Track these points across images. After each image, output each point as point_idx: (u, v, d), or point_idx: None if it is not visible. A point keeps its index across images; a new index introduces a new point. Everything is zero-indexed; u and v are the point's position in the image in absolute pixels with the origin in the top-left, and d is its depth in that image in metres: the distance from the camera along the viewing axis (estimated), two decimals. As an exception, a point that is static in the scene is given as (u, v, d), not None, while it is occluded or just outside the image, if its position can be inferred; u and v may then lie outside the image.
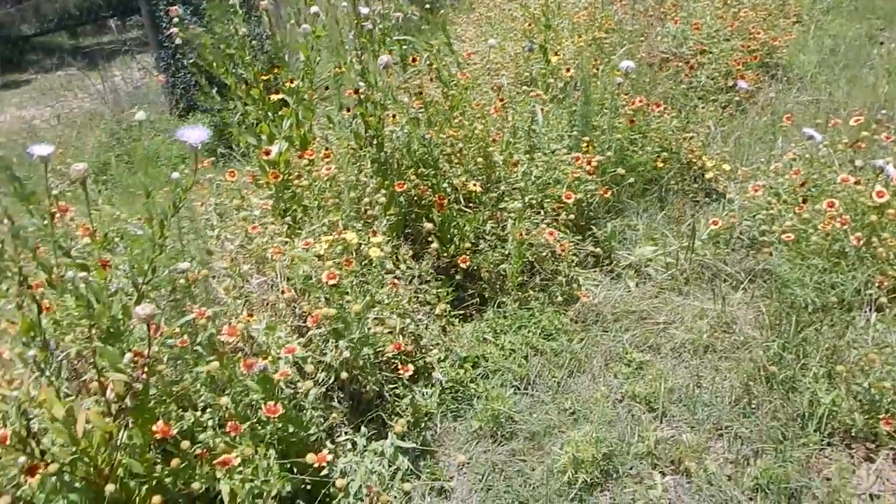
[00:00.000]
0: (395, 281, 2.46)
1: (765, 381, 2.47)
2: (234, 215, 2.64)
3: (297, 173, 2.72)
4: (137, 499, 1.91)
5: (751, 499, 2.16)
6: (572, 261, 2.99)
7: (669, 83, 3.97)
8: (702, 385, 2.59)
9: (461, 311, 3.03)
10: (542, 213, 3.04)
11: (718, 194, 3.61)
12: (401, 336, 2.49)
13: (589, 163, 3.00)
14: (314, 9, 2.88)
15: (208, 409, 2.07)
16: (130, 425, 1.76)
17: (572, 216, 2.97)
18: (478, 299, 3.07)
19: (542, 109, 3.07)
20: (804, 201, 2.82)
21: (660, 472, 2.30)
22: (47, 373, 1.67)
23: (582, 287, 3.00)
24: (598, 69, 3.54)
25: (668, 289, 3.09)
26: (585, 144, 3.16)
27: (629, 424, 2.47)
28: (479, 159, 2.97)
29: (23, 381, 1.63)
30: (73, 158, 6.81)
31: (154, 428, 1.78)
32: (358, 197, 2.69)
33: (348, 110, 2.92)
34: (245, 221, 2.47)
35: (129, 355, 1.66)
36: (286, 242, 2.47)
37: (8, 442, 1.63)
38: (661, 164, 3.46)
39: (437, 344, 2.85)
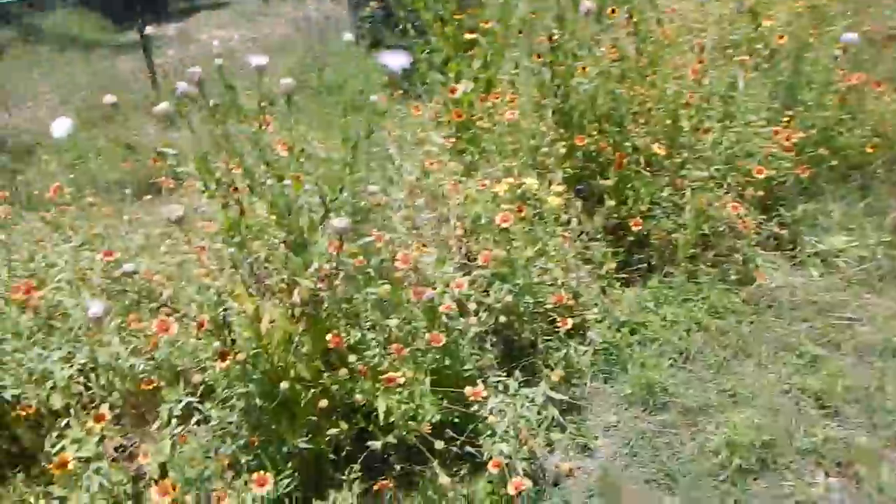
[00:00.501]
0: (565, 234, 2.43)
1: (964, 397, 2.23)
2: (413, 149, 2.71)
3: (479, 115, 2.74)
4: (303, 401, 2.05)
5: (929, 517, 1.97)
6: (753, 239, 2.81)
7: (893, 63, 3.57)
8: (885, 389, 2.37)
9: (624, 276, 2.96)
10: (726, 186, 2.87)
11: (934, 190, 3.24)
12: (562, 290, 2.47)
13: (788, 138, 2.78)
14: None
15: (373, 330, 2.18)
16: (307, 331, 1.89)
17: (760, 193, 2.78)
18: (644, 266, 2.98)
19: (744, 76, 2.87)
20: None
21: (824, 471, 2.15)
22: (241, 271, 1.82)
23: (759, 268, 2.82)
24: (814, 39, 3.25)
25: (857, 283, 2.83)
26: (787, 119, 2.93)
27: (794, 417, 2.32)
28: (668, 122, 2.84)
29: (222, 275, 1.79)
30: (266, 82, 7.19)
31: (328, 337, 1.89)
32: (536, 146, 2.68)
33: (538, 57, 2.89)
34: (426, 156, 2.53)
35: (315, 265, 1.76)
36: (461, 181, 2.50)
37: (205, 328, 1.80)
38: (870, 150, 3.14)
39: (596, 304, 2.80)
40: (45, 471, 2.07)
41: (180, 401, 1.94)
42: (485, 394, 1.97)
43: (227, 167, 1.84)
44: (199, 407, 2.08)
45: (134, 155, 4.95)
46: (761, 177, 2.74)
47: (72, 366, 2.04)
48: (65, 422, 1.93)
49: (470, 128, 2.77)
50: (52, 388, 2.05)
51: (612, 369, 2.60)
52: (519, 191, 2.29)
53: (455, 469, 2.22)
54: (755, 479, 2.15)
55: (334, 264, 2.01)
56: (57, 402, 1.98)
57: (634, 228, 2.76)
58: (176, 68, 6.84)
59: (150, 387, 1.95)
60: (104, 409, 1.76)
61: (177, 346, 1.98)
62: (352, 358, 1.97)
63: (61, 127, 2.03)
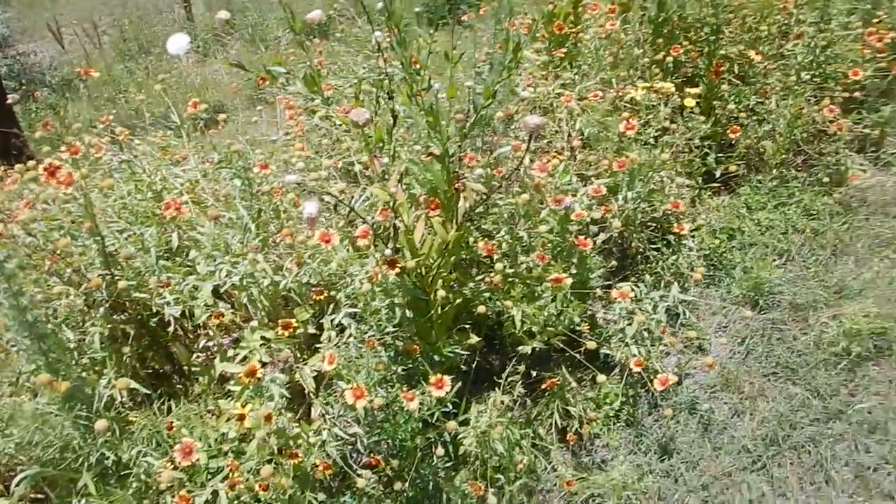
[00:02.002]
0: (678, 144, 2.48)
1: None
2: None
3: (575, 28, 2.75)
4: (450, 310, 2.14)
5: None
6: (844, 142, 2.87)
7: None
8: None
9: (715, 185, 3.02)
10: (814, 89, 2.91)
11: None
12: (672, 197, 2.53)
13: (881, 39, 2.80)
14: None
15: (504, 242, 2.25)
16: (459, 239, 1.95)
17: (855, 95, 2.82)
18: (733, 177, 3.04)
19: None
20: None
21: (937, 355, 2.26)
22: (395, 181, 1.87)
23: (850, 170, 2.88)
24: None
25: (945, 181, 2.91)
26: (877, 20, 2.95)
27: (903, 307, 2.42)
28: (763, 28, 2.86)
29: (391, 183, 1.84)
30: (302, 11, 7.07)
31: (481, 245, 1.96)
32: (637, 56, 2.69)
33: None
34: (534, 69, 2.55)
35: (479, 171, 1.82)
36: (564, 95, 2.53)
37: (368, 238, 1.87)
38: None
39: (690, 213, 2.88)
40: (206, 388, 2.18)
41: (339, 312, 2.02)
42: (632, 294, 2.05)
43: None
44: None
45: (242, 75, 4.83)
46: (857, 78, 2.78)
47: (221, 284, 2.11)
48: (233, 336, 2.02)
49: (564, 43, 2.78)
50: (202, 305, 2.11)
51: (716, 274, 2.69)
52: (634, 103, 2.33)
53: (581, 374, 2.34)
54: (874, 366, 2.27)
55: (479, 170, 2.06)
56: (213, 317, 2.05)
57: (732, 136, 2.81)
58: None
59: (322, 297, 2.02)
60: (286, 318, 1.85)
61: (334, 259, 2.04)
62: (499, 267, 2.05)
63: (178, 44, 1.95)
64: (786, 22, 2.97)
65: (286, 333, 1.85)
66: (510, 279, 2.20)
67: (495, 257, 2.17)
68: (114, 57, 5.97)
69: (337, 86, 3.13)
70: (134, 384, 1.88)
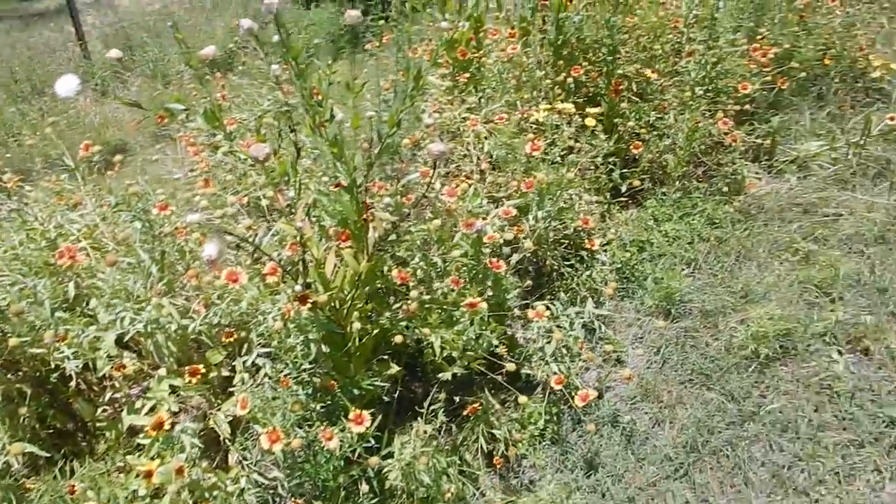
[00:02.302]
0: (581, 160, 2.53)
1: (949, 270, 2.49)
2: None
3: (478, 53, 2.79)
4: (366, 342, 2.10)
5: (940, 376, 2.22)
6: (740, 152, 3.00)
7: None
8: (876, 272, 2.61)
9: (622, 199, 3.10)
10: (708, 104, 3.04)
11: (883, 94, 3.51)
12: (582, 214, 2.58)
13: (764, 55, 2.96)
14: None
15: (419, 269, 2.24)
16: (372, 269, 1.92)
17: (745, 108, 2.96)
18: (638, 191, 3.13)
19: (723, -2, 3.03)
20: None
21: (837, 349, 2.37)
22: (302, 214, 1.83)
23: (747, 178, 3.01)
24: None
25: (832, 184, 3.07)
26: (760, 37, 3.11)
27: (804, 307, 2.53)
28: (657, 47, 2.97)
29: (297, 217, 1.79)
30: (203, 43, 6.94)
31: (395, 274, 1.94)
32: (539, 78, 2.75)
33: (533, -12, 2.95)
34: (445, 92, 2.57)
35: (387, 200, 1.80)
36: (470, 119, 2.56)
37: (277, 274, 1.82)
38: (827, 62, 3.38)
39: (600, 228, 2.94)
40: (113, 443, 2.06)
41: (250, 353, 1.95)
42: (547, 314, 2.07)
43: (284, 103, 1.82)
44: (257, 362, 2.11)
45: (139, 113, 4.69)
46: (746, 92, 2.92)
47: (124, 332, 2.01)
48: (141, 385, 1.92)
49: (468, 67, 2.82)
50: (104, 356, 2.01)
51: (629, 286, 2.75)
52: (541, 123, 2.37)
53: (503, 395, 2.33)
54: (781, 365, 2.35)
55: (385, 201, 2.05)
56: (116, 369, 1.95)
57: (634, 151, 2.90)
58: (106, 35, 6.48)
59: (233, 338, 1.95)
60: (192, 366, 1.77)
61: (241, 298, 1.98)
62: (414, 294, 2.03)
63: (67, 86, 1.86)
64: (678, 40, 3.10)
65: (194, 380, 1.77)
66: (427, 305, 2.18)
67: (411, 284, 2.15)
68: (5, 99, 5.68)
69: (241, 119, 3.07)
70: (31, 448, 1.76)
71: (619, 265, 2.79)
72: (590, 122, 2.35)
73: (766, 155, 3.23)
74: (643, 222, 2.99)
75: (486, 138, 2.45)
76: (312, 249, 1.86)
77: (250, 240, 1.68)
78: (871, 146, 3.10)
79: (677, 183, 3.02)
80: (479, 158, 2.41)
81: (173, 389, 1.83)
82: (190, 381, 1.80)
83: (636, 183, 3.01)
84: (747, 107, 3.05)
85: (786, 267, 2.73)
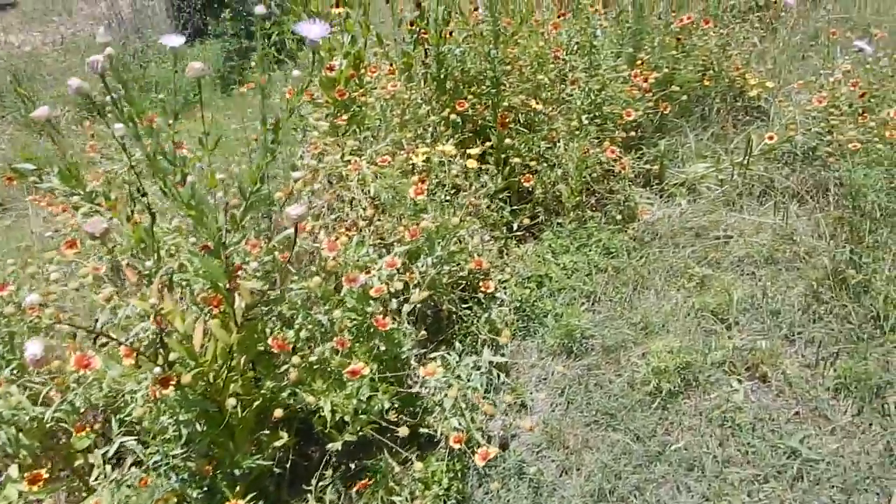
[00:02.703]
0: (473, 201, 2.44)
1: (834, 287, 2.52)
2: (298, 134, 2.58)
3: (359, 91, 2.66)
4: (246, 416, 1.92)
5: (833, 397, 2.22)
6: (629, 179, 2.99)
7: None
8: (768, 294, 2.63)
9: (518, 234, 3.04)
10: (597, 131, 3.02)
11: (761, 112, 3.61)
12: (475, 255, 2.48)
13: (645, 80, 2.96)
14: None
15: (304, 329, 2.07)
16: (245, 339, 1.75)
17: (632, 133, 2.95)
18: (534, 223, 3.07)
19: (601, 26, 3.01)
20: (864, 112, 2.82)
21: (737, 378, 2.35)
22: (158, 287, 1.65)
23: (639, 205, 3.00)
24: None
25: (721, 205, 3.11)
26: (639, 63, 3.12)
27: (702, 335, 2.51)
28: (540, 77, 2.92)
29: (152, 292, 1.60)
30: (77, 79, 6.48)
31: (270, 342, 1.77)
32: (422, 115, 2.65)
33: (412, 25, 2.84)
34: (319, 137, 2.41)
35: (253, 264, 1.63)
36: (359, 160, 2.43)
37: (135, 357, 1.62)
38: (707, 83, 3.44)
39: (497, 265, 2.86)
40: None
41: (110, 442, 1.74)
42: (440, 370, 1.94)
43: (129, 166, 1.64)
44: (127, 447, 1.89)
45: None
46: (631, 118, 2.91)
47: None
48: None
49: (349, 106, 2.68)
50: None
51: (530, 325, 2.67)
52: (429, 161, 2.26)
53: (406, 453, 2.19)
54: (684, 399, 2.31)
55: (254, 264, 1.88)
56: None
57: (526, 184, 2.83)
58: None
59: (84, 432, 1.73)
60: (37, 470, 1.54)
61: (99, 382, 1.77)
62: (296, 360, 1.86)
63: None
64: (562, 69, 3.07)
65: (35, 488, 1.54)
66: (316, 367, 2.02)
67: (297, 346, 1.99)
68: None
69: (110, 172, 2.83)
70: None
71: (520, 303, 2.71)
72: (472, 163, 2.25)
73: (657, 179, 3.25)
74: (541, 256, 2.92)
75: (371, 182, 2.32)
76: (176, 323, 1.67)
77: (89, 329, 1.48)
78: (755, 165, 3.15)
79: (572, 213, 2.98)
80: (364, 203, 2.28)
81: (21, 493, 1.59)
82: (30, 489, 1.57)
83: (526, 222, 2.95)
84: (633, 133, 3.04)
85: (682, 294, 2.72)
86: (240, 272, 1.75)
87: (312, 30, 1.47)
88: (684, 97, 3.28)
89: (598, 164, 2.98)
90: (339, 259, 2.09)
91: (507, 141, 2.76)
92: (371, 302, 2.08)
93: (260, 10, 1.48)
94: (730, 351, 2.41)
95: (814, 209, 2.91)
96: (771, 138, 3.07)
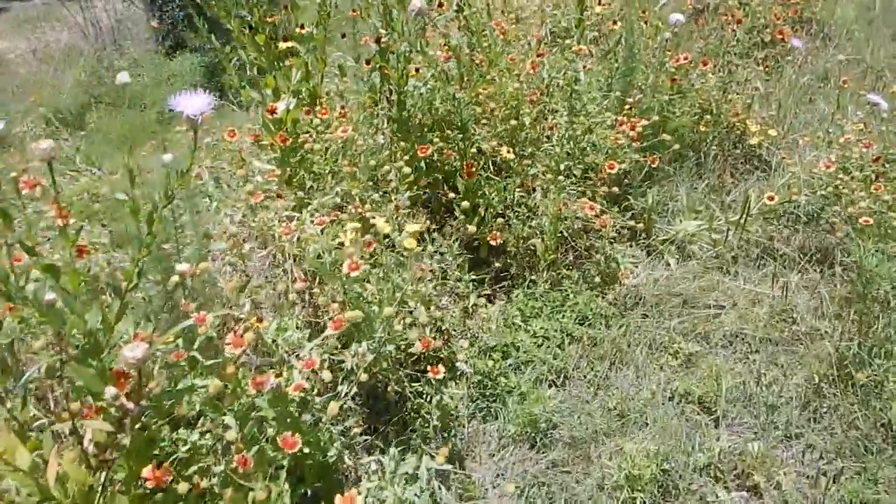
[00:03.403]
0: (423, 267, 2.11)
1: (839, 382, 2.20)
2: (233, 182, 2.25)
3: (307, 134, 2.33)
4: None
5: (836, 525, 1.90)
6: (612, 237, 2.67)
7: (709, 38, 3.59)
8: (762, 383, 2.31)
9: (487, 292, 2.71)
10: (577, 181, 2.69)
11: (762, 162, 3.29)
12: (427, 330, 2.15)
13: (633, 127, 2.64)
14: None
15: (207, 434, 1.73)
16: (120, 466, 1.42)
17: (615, 188, 2.63)
18: (504, 276, 2.75)
19: (583, 67, 2.69)
20: (877, 177, 2.50)
21: (724, 486, 2.03)
22: (8, 405, 1.32)
23: (621, 266, 2.68)
24: (646, 22, 3.15)
25: (713, 269, 2.78)
26: (628, 107, 2.80)
27: (685, 430, 2.19)
28: (513, 121, 2.59)
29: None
30: (50, 98, 6.17)
31: (145, 474, 1.43)
32: (376, 164, 2.32)
33: (368, 62, 2.51)
34: (249, 194, 2.08)
35: (111, 390, 1.30)
36: (293, 218, 2.09)
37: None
38: (703, 128, 3.11)
39: (461, 330, 2.54)
40: None
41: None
42: (366, 490, 1.61)
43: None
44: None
45: None
46: (614, 171, 2.58)
47: None
48: None
49: (297, 151, 2.34)
50: None
51: (491, 405, 2.34)
52: (367, 235, 1.93)
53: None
54: (661, 512, 1.99)
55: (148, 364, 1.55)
56: None
57: (493, 243, 2.50)
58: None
59: None
60: None
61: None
62: (182, 488, 1.52)
63: None
64: (540, 111, 2.74)
65: None
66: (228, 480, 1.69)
67: (197, 466, 1.65)
68: None
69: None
70: None
71: (481, 377, 2.38)
72: (409, 243, 1.92)
73: (644, 233, 2.92)
74: (510, 319, 2.59)
75: (310, 244, 1.98)
76: (17, 457, 1.33)
77: None
78: (752, 226, 2.83)
79: (545, 273, 2.65)
80: (295, 276, 1.94)
81: None
82: None
83: (501, 270, 2.62)
84: (615, 189, 2.71)
85: (665, 374, 2.40)
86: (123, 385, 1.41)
87: (192, 103, 1.15)
88: (677, 145, 2.96)
89: (577, 217, 2.66)
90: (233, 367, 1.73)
91: (476, 193, 2.43)
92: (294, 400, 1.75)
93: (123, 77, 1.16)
94: (716, 454, 2.08)
95: (817, 283, 2.59)
96: (771, 199, 2.74)
